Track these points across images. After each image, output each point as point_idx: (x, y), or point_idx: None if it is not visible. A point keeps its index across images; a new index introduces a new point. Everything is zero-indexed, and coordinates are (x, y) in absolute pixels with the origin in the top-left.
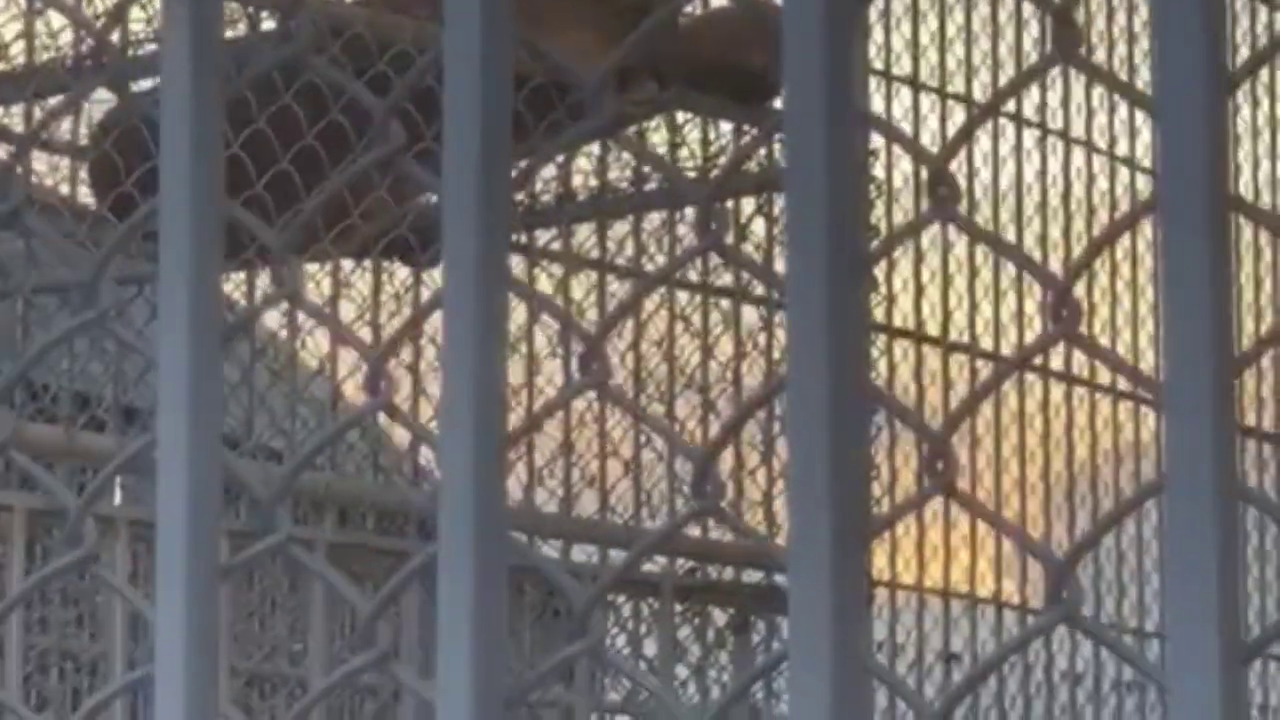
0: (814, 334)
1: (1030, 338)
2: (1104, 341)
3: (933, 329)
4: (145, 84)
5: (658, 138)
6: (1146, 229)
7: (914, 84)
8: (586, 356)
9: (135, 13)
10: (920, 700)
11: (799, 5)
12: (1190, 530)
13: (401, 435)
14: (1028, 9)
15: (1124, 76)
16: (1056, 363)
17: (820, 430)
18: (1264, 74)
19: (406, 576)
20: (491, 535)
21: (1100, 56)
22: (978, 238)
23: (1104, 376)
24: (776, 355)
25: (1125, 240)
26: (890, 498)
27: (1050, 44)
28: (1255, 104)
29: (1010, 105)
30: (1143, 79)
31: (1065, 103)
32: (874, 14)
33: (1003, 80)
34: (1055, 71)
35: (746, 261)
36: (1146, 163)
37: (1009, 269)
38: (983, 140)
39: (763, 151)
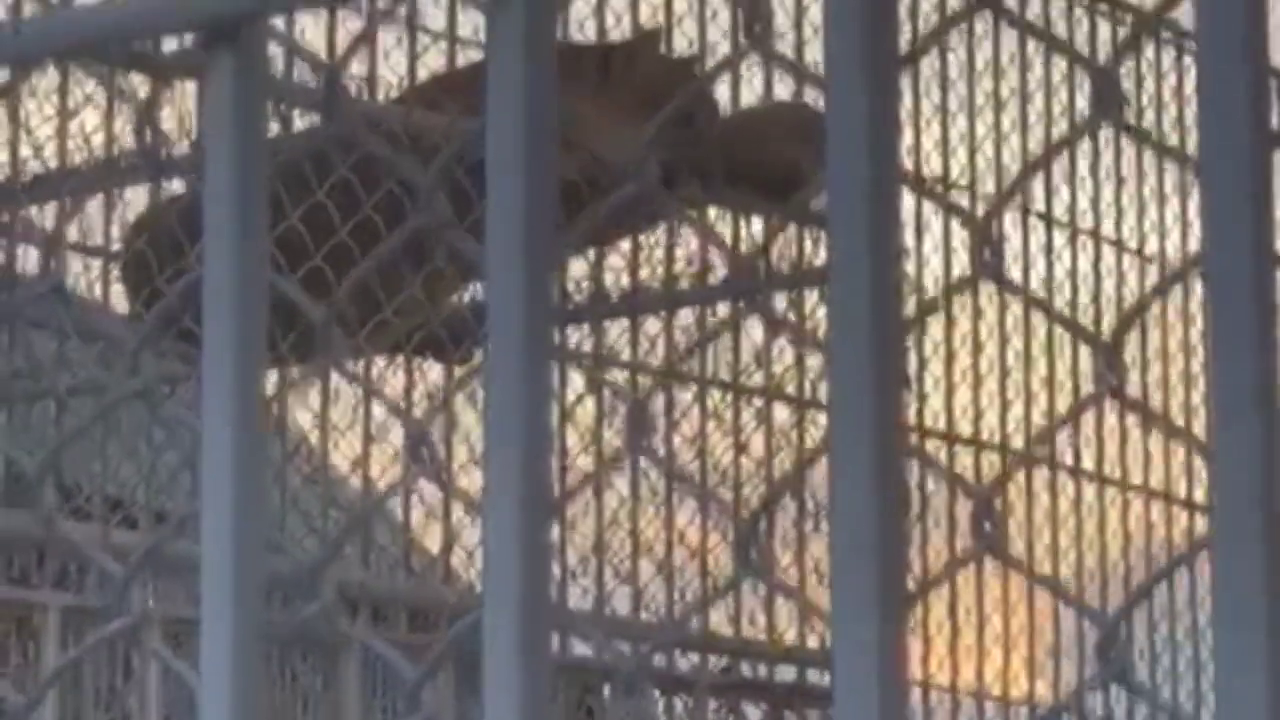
0: (858, 394)
1: (1062, 439)
2: (1157, 399)
3: (964, 429)
4: (176, 184)
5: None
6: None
7: (944, 184)
8: (631, 427)
9: (166, 110)
10: None
11: (842, 104)
12: (1238, 586)
13: (433, 537)
14: (1055, 105)
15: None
16: (1088, 462)
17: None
18: None
19: (443, 650)
20: (537, 633)
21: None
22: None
23: (1136, 474)
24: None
25: (1176, 298)
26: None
27: (1094, 105)
28: None
29: (1040, 204)
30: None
31: (1095, 202)
32: (904, 114)
33: (1035, 177)
34: (1085, 170)
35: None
36: (1176, 260)
37: (1039, 369)
38: (1014, 239)
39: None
